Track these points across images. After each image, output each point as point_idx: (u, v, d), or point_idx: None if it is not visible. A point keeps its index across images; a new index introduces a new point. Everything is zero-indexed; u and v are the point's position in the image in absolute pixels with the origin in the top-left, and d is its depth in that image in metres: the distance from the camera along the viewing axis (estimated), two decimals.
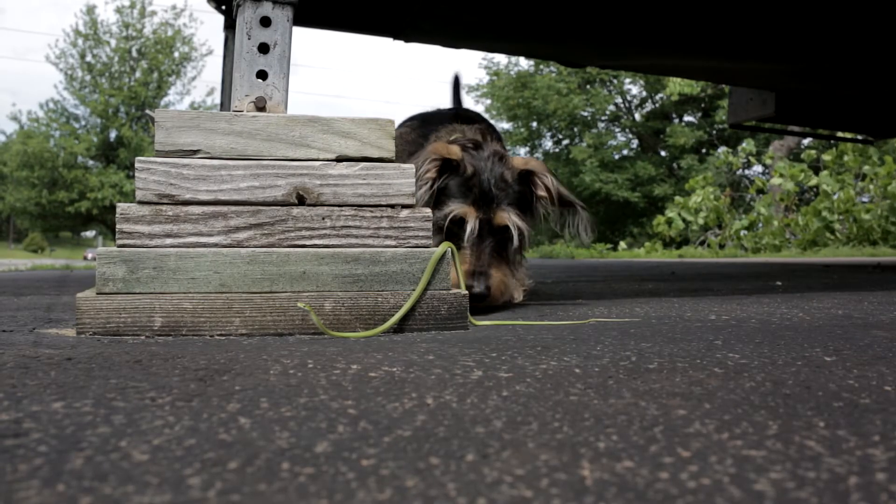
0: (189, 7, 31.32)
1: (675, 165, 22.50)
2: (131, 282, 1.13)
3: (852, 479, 0.45)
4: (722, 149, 16.26)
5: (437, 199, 1.66)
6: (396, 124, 1.66)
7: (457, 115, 2.07)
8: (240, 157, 1.21)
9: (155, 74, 27.56)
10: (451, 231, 1.64)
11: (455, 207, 1.64)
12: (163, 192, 1.18)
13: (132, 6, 27.20)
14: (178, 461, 0.49)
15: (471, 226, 1.62)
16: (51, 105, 27.83)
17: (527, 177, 1.73)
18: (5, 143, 31.14)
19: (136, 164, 1.17)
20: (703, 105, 21.98)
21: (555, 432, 0.56)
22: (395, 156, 1.30)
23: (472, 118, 2.08)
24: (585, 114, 23.09)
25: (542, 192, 1.73)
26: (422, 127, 2.00)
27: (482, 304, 1.59)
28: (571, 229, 1.78)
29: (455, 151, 1.68)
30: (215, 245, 1.18)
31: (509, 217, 1.66)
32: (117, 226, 1.15)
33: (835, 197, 10.73)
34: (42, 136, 26.94)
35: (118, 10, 27.33)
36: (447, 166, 1.67)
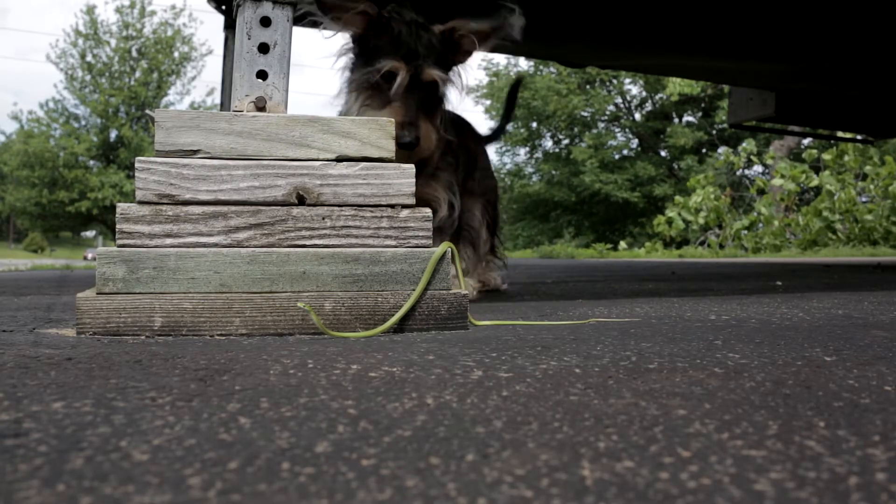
0: (189, 7, 31.32)
1: (675, 166, 22.50)
2: (131, 282, 1.13)
3: (852, 479, 0.45)
4: (723, 148, 16.25)
5: (367, 58, 1.72)
6: None
7: None
8: (240, 157, 1.21)
9: (155, 74, 27.55)
10: (380, 87, 1.70)
11: (386, 63, 1.69)
12: (163, 192, 1.18)
13: (132, 6, 27.20)
14: (179, 461, 0.49)
15: (400, 78, 1.68)
16: (51, 105, 27.85)
17: (450, 36, 1.78)
18: (6, 142, 31.13)
19: (136, 164, 1.17)
20: (703, 105, 21.98)
21: (555, 432, 0.56)
22: None
23: None
24: (585, 114, 23.09)
25: (468, 46, 1.79)
26: None
27: (412, 154, 1.65)
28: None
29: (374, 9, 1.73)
30: (215, 245, 1.18)
31: (437, 73, 1.72)
32: (117, 226, 1.15)
33: (835, 197, 10.73)
34: (42, 135, 26.93)
35: (118, 10, 27.33)
36: (372, 25, 1.71)
